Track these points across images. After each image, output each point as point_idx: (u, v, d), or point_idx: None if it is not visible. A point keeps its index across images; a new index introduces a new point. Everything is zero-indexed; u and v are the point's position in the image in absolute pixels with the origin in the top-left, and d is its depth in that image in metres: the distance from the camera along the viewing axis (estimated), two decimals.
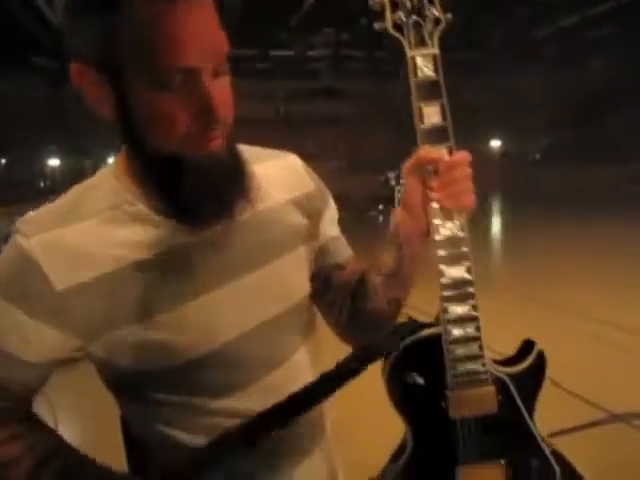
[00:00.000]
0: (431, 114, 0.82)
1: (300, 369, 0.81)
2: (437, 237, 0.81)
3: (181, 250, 0.74)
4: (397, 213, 0.82)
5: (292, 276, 0.83)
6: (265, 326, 0.78)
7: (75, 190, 0.75)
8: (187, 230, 0.73)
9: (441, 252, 0.81)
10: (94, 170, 0.80)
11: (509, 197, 17.09)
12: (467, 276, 0.81)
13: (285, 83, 18.69)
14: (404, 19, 0.83)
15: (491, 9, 13.17)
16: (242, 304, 0.77)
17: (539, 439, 0.85)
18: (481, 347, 0.82)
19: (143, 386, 0.75)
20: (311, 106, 18.98)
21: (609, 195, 12.27)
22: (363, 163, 15.60)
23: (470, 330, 0.82)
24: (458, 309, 0.82)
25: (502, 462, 0.83)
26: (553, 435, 2.73)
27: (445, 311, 0.82)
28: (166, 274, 0.72)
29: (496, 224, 12.96)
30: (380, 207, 13.17)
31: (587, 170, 17.34)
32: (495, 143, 22.55)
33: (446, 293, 0.82)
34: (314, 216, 0.86)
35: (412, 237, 0.81)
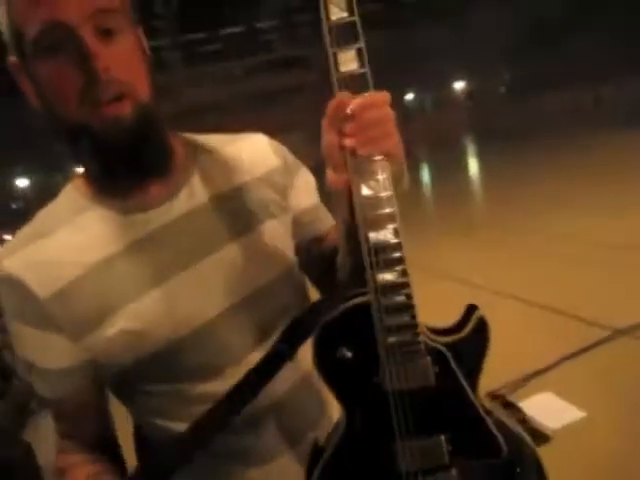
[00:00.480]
0: (347, 60, 0.73)
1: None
2: (357, 198, 0.73)
3: (143, 240, 0.76)
4: (327, 174, 0.76)
5: (274, 247, 0.84)
6: (248, 301, 0.80)
7: (40, 213, 0.81)
8: (145, 219, 0.77)
9: (363, 214, 0.73)
10: (66, 183, 0.85)
11: (482, 136, 17.15)
12: (393, 239, 0.74)
13: (240, 61, 18.35)
14: None
15: None
16: (213, 285, 0.78)
17: (482, 412, 0.78)
18: (414, 316, 0.75)
19: (130, 381, 0.79)
20: (271, 79, 18.69)
21: (578, 117, 12.47)
22: None
23: (400, 298, 0.75)
24: (387, 276, 0.75)
25: (442, 437, 0.77)
26: (565, 359, 2.78)
27: (372, 279, 0.75)
28: (133, 265, 0.76)
29: (472, 164, 13.01)
30: None
31: (552, 95, 17.30)
32: (459, 84, 22.23)
33: (371, 259, 0.74)
34: (282, 190, 0.88)
35: (342, 197, 0.75)
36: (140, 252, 0.76)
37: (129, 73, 0.70)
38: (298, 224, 0.90)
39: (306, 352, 0.80)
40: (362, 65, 0.73)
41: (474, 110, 20.83)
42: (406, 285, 0.75)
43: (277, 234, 0.86)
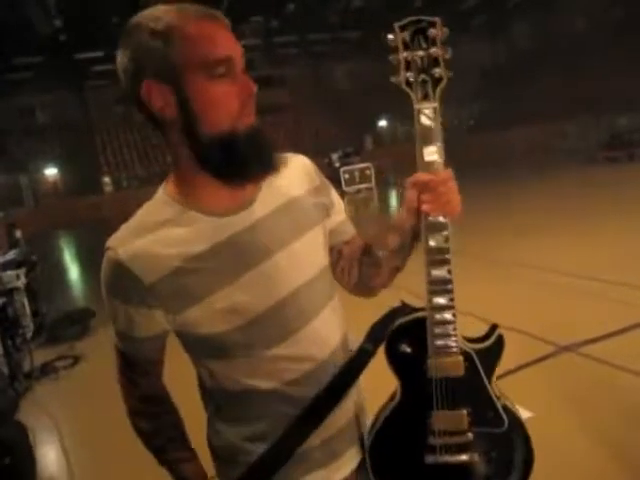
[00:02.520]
0: (430, 153, 1.08)
1: (329, 320, 1.10)
2: (425, 245, 1.09)
3: (230, 237, 0.97)
4: (400, 212, 1.12)
5: (319, 247, 1.09)
6: (304, 286, 1.04)
7: (142, 211, 1.00)
8: (230, 222, 0.98)
9: (428, 258, 1.09)
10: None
11: (452, 166, 17.41)
12: (447, 276, 1.10)
13: None
14: (414, 78, 1.08)
15: None
16: (287, 271, 1.01)
17: (494, 397, 1.16)
18: (455, 328, 1.12)
19: (218, 345, 1.01)
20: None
21: (541, 151, 12.81)
22: (306, 147, 15.74)
23: (447, 316, 1.12)
24: (440, 300, 1.11)
25: (464, 411, 1.14)
26: (515, 370, 3.16)
27: (430, 301, 1.11)
28: (224, 257, 0.96)
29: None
30: None
31: (517, 131, 17.60)
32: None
33: (431, 287, 1.11)
34: (323, 204, 1.14)
35: (410, 231, 1.12)
36: (227, 249, 0.96)
37: None
38: (335, 233, 1.16)
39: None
40: (440, 157, 1.08)
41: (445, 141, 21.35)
42: (452, 307, 1.11)
43: (322, 237, 1.11)
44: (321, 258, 1.09)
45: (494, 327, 1.18)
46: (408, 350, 1.15)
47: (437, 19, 1.09)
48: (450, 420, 1.15)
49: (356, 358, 1.12)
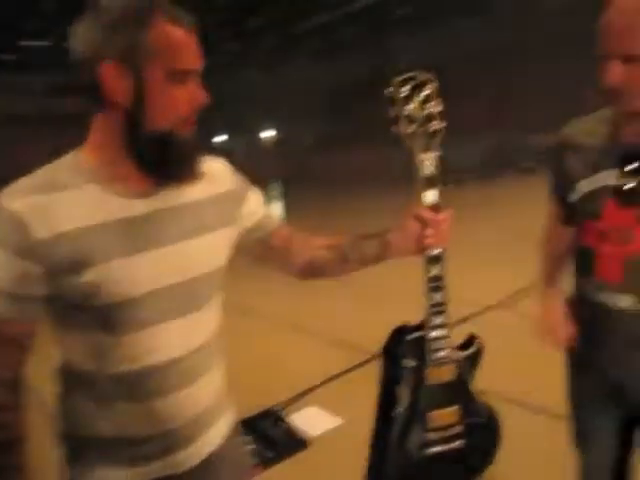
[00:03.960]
0: (432, 195, 1.25)
1: (212, 317, 1.11)
2: (428, 274, 1.28)
3: (129, 219, 0.97)
4: (394, 235, 1.25)
5: (216, 249, 1.10)
6: (191, 281, 1.03)
7: (48, 168, 0.97)
8: (134, 205, 0.98)
9: (430, 284, 1.28)
10: None
11: (288, 182, 17.85)
12: (444, 299, 1.30)
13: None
14: (415, 131, 1.23)
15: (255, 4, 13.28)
16: (170, 265, 1.01)
17: (474, 394, 1.40)
18: (447, 345, 1.33)
19: (83, 320, 0.97)
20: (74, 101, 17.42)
21: (375, 172, 13.25)
22: None
23: (442, 333, 1.32)
24: (437, 320, 1.31)
25: (456, 407, 1.37)
26: (329, 380, 3.33)
27: (428, 321, 1.31)
28: (117, 235, 0.96)
29: (278, 209, 13.75)
30: None
31: (353, 152, 18.49)
32: (270, 132, 23.75)
33: (432, 310, 1.30)
34: (238, 206, 1.16)
35: (397, 251, 1.26)
36: (125, 227, 0.97)
37: None
38: (256, 228, 1.20)
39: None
40: (438, 199, 1.26)
41: (284, 157, 22.20)
42: (445, 325, 1.32)
43: (222, 241, 1.12)
44: (216, 260, 1.11)
45: (473, 337, 1.42)
46: (412, 363, 1.34)
47: (431, 76, 1.25)
48: (446, 416, 1.37)
49: (385, 386, 1.27)
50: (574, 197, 1.28)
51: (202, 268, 1.06)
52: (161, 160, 0.96)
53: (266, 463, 2.50)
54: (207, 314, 1.09)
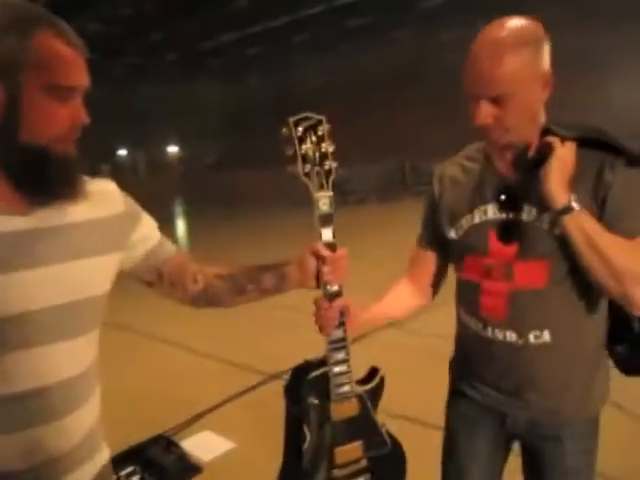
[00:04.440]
0: (327, 234, 1.27)
1: (94, 344, 1.07)
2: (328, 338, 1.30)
3: (7, 234, 0.93)
4: (294, 269, 1.26)
5: (95, 275, 1.05)
6: (57, 308, 0.97)
7: None
8: (20, 220, 0.94)
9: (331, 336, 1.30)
10: None
11: (191, 200, 17.93)
12: (344, 335, 1.31)
13: None
14: (310, 170, 1.25)
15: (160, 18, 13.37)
16: (42, 287, 0.95)
17: (379, 425, 1.42)
18: (350, 379, 1.34)
19: None
20: None
21: (277, 192, 13.63)
22: None
23: (344, 368, 1.33)
24: (338, 356, 1.32)
25: (360, 442, 1.38)
26: (221, 404, 3.32)
27: (329, 358, 1.31)
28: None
29: (181, 226, 13.78)
30: None
31: (254, 173, 19.01)
32: (173, 149, 23.81)
33: (331, 346, 1.31)
34: (124, 233, 1.12)
35: (296, 284, 1.28)
36: (11, 242, 0.92)
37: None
38: (149, 255, 1.18)
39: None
40: (334, 237, 1.28)
41: (185, 175, 22.27)
42: (347, 360, 1.33)
43: (113, 264, 1.09)
44: (100, 284, 1.07)
45: (375, 370, 1.44)
46: (316, 401, 1.33)
47: (323, 117, 1.28)
48: (350, 452, 1.37)
49: (289, 424, 1.25)
50: (455, 234, 1.34)
51: (87, 291, 1.03)
52: (34, 176, 0.92)
53: None
54: (91, 339, 1.06)
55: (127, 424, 2.87)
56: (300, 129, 1.25)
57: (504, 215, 1.25)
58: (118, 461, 2.58)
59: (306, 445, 1.34)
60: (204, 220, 13.10)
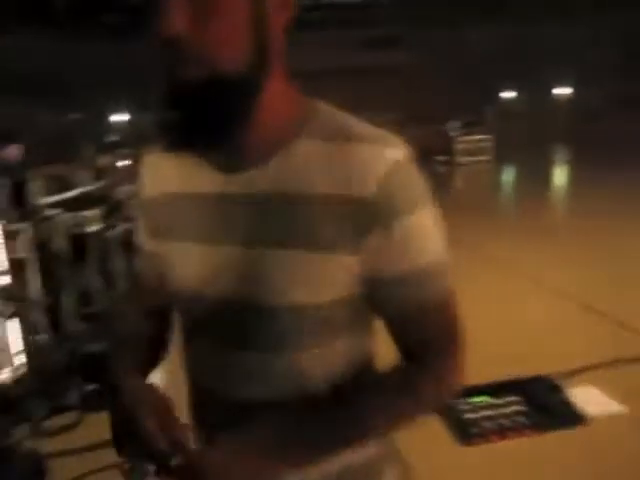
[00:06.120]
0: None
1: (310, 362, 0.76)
2: None
3: (210, 197, 0.74)
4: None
5: (320, 278, 0.69)
6: (231, 302, 0.73)
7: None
8: (223, 181, 0.73)
9: None
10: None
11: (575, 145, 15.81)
12: None
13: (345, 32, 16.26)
14: None
15: None
16: (230, 270, 0.73)
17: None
18: None
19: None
20: (372, 56, 16.53)
21: None
22: (422, 114, 14.21)
23: None
24: None
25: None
26: (608, 364, 3.14)
27: None
28: (190, 211, 0.76)
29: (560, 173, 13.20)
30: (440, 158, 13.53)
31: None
32: (561, 90, 20.90)
33: None
34: (361, 231, 0.68)
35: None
36: (203, 205, 0.75)
37: None
38: (378, 288, 0.71)
39: None
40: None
41: (570, 119, 19.32)
42: None
43: (328, 270, 0.68)
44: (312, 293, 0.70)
45: None
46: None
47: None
48: None
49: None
50: None
51: (274, 299, 0.73)
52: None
53: (538, 428, 2.53)
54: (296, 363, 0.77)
55: (505, 359, 3.10)
56: None
57: None
58: (496, 388, 2.85)
59: None
60: (585, 168, 12.07)
